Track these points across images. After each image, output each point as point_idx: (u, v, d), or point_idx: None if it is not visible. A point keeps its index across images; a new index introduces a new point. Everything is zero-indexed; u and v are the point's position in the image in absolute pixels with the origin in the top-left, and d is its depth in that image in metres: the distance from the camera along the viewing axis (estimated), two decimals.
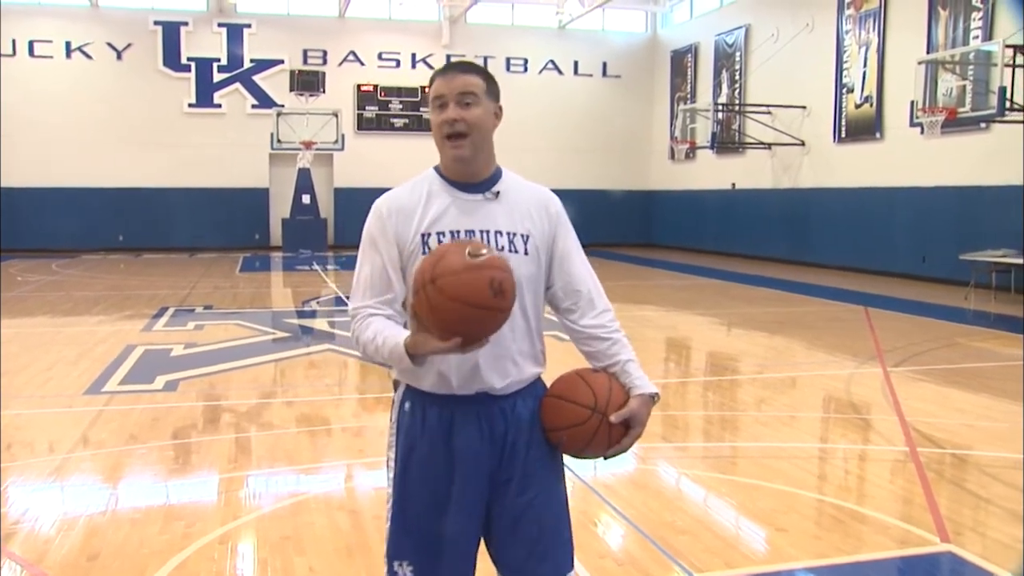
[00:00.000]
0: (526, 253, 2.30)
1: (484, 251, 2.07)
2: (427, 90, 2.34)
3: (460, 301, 2.00)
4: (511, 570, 2.33)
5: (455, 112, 2.25)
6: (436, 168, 2.37)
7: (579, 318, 2.40)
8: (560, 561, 2.35)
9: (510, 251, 2.28)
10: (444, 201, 2.29)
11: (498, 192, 2.33)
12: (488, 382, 2.26)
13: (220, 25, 24.55)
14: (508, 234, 2.30)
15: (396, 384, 2.40)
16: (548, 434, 2.34)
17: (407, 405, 2.34)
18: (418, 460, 2.30)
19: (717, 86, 23.57)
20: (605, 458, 2.34)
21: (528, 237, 2.31)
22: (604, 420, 2.26)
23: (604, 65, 27.07)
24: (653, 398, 2.35)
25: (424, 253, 2.23)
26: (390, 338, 2.18)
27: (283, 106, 23.72)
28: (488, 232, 2.28)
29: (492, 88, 2.33)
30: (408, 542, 2.31)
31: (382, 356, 2.21)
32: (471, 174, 2.32)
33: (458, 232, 2.26)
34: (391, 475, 2.37)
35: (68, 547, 4.01)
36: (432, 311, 2.04)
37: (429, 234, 2.26)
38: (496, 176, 2.36)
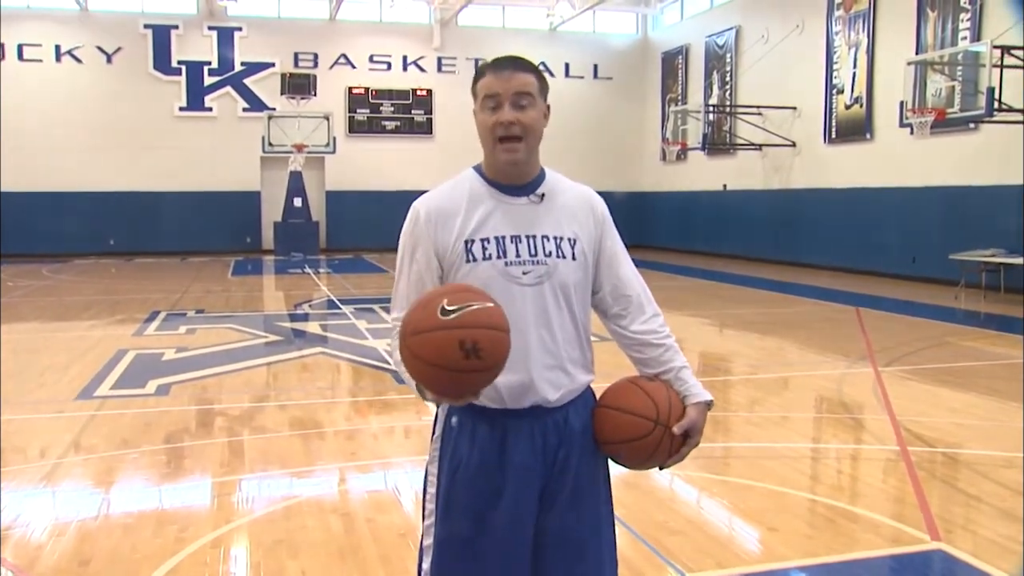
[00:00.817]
0: (574, 258, 2.22)
1: (468, 304, 1.91)
2: (476, 88, 2.20)
3: (428, 363, 1.90)
4: None
5: (511, 114, 2.14)
6: (477, 168, 2.27)
7: (629, 323, 2.33)
8: None
9: (558, 256, 2.19)
10: (488, 205, 2.19)
11: (543, 194, 2.24)
12: (542, 395, 2.18)
13: (210, 28, 24.51)
14: (555, 238, 2.21)
15: None
16: (605, 447, 2.26)
17: (454, 420, 2.22)
18: (467, 477, 2.18)
19: (708, 87, 23.63)
20: (661, 468, 2.27)
21: (575, 241, 2.23)
22: (667, 432, 2.19)
23: (595, 67, 27.11)
24: (709, 405, 2.28)
25: (468, 261, 2.15)
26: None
27: (274, 109, 23.71)
28: (534, 237, 2.19)
29: (544, 87, 2.22)
30: (453, 561, 2.20)
31: (409, 383, 2.09)
32: (518, 176, 2.22)
33: (503, 238, 2.17)
34: (432, 490, 2.24)
35: (60, 553, 4.01)
36: (410, 368, 1.96)
37: (473, 240, 2.16)
38: (541, 177, 2.27)
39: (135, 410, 6.72)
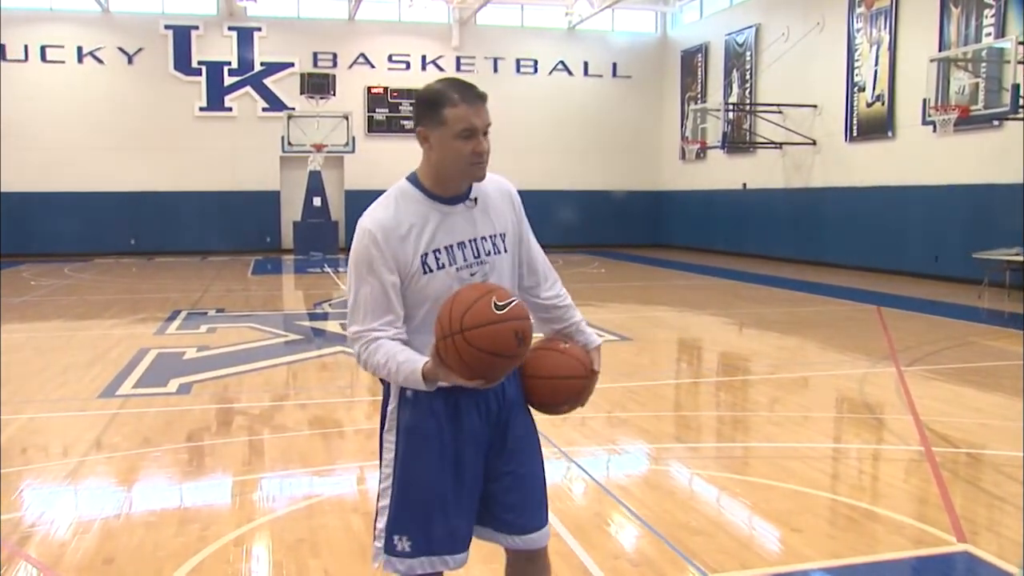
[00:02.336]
0: (506, 250, 2.54)
1: (510, 300, 2.22)
2: (443, 114, 2.37)
3: (489, 352, 2.17)
4: (502, 524, 2.58)
5: (485, 144, 2.42)
6: (414, 182, 2.48)
7: (540, 292, 2.68)
8: (543, 516, 2.64)
9: (495, 253, 2.50)
10: (434, 218, 2.43)
11: (476, 199, 2.50)
12: None
13: (230, 29, 24.64)
14: (491, 237, 2.51)
15: None
16: (548, 409, 2.64)
17: (409, 393, 2.47)
18: (422, 441, 2.46)
19: (728, 86, 23.52)
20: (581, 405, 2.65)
21: (505, 235, 2.54)
22: (593, 376, 2.61)
23: (614, 66, 27.04)
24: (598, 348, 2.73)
25: (425, 273, 2.40)
26: (405, 364, 2.34)
27: (294, 109, 23.80)
28: (475, 240, 2.47)
29: None
30: (406, 516, 2.47)
31: (395, 379, 2.39)
32: (456, 187, 2.47)
33: (451, 246, 2.43)
34: (388, 456, 2.52)
35: (84, 550, 4.03)
36: (460, 359, 2.19)
37: (427, 254, 2.41)
38: (467, 186, 2.50)
39: (157, 408, 6.76)
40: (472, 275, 2.45)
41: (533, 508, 2.62)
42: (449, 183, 2.45)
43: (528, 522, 2.59)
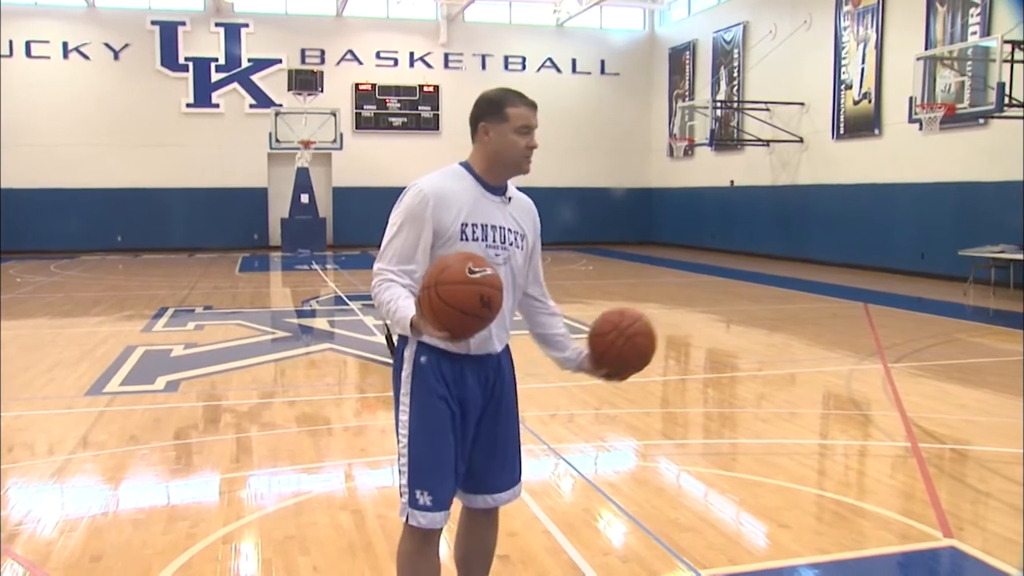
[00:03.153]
0: (522, 248, 2.92)
1: (485, 269, 2.49)
2: (507, 111, 2.80)
3: (454, 307, 2.45)
4: (483, 479, 2.92)
5: (536, 140, 2.87)
6: (467, 168, 2.87)
7: (545, 299, 3.11)
8: (519, 471, 3.02)
9: (516, 246, 2.88)
10: (479, 198, 2.82)
11: (510, 198, 2.92)
12: (493, 345, 2.86)
13: (217, 25, 24.53)
14: (514, 232, 2.89)
15: (402, 342, 2.86)
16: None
17: (423, 358, 2.80)
18: (434, 402, 2.78)
19: (715, 83, 23.57)
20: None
21: (524, 236, 2.93)
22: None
23: (602, 63, 27.06)
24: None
25: (462, 240, 2.76)
26: (401, 309, 2.62)
27: (281, 105, 23.70)
28: (503, 228, 2.85)
29: None
30: (426, 472, 2.77)
31: (390, 318, 2.68)
32: (501, 180, 2.88)
33: (486, 225, 2.81)
34: (404, 417, 2.82)
35: (71, 548, 4.01)
36: (431, 309, 2.47)
37: (467, 224, 2.77)
38: (507, 184, 2.93)
39: (144, 406, 6.74)
40: (497, 255, 2.80)
41: (508, 471, 2.97)
42: (499, 173, 2.85)
43: (501, 482, 2.95)
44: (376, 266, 2.78)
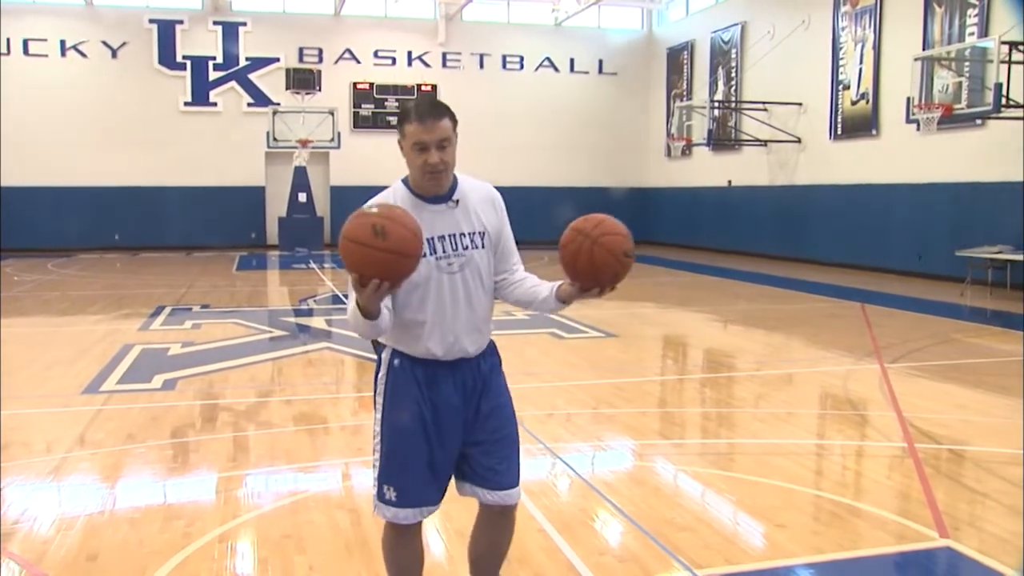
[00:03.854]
0: (483, 247, 2.88)
1: (382, 208, 2.54)
2: (405, 128, 2.75)
3: (351, 241, 2.48)
4: (482, 481, 2.96)
5: (436, 157, 2.74)
6: (405, 182, 2.87)
7: (511, 275, 3.02)
8: (515, 476, 3.01)
9: (473, 248, 2.86)
10: (418, 213, 2.69)
11: (457, 200, 2.87)
12: (465, 349, 2.87)
13: (215, 23, 24.49)
14: (469, 234, 2.86)
15: (380, 347, 2.94)
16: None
17: (396, 362, 2.88)
18: (405, 405, 2.85)
19: (713, 83, 23.58)
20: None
21: (484, 233, 2.89)
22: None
23: (600, 63, 27.06)
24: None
25: None
26: (350, 304, 2.67)
27: (279, 104, 23.67)
28: (455, 235, 2.84)
29: (455, 122, 2.80)
30: (393, 469, 2.87)
31: (355, 321, 2.67)
32: (438, 190, 2.84)
33: (432, 239, 2.78)
34: (378, 415, 2.91)
35: (67, 547, 4.01)
36: (342, 256, 2.52)
37: None
38: (454, 186, 2.88)
39: (141, 405, 6.73)
40: (450, 264, 2.81)
41: (507, 469, 2.98)
42: (424, 187, 2.81)
43: (503, 480, 2.97)
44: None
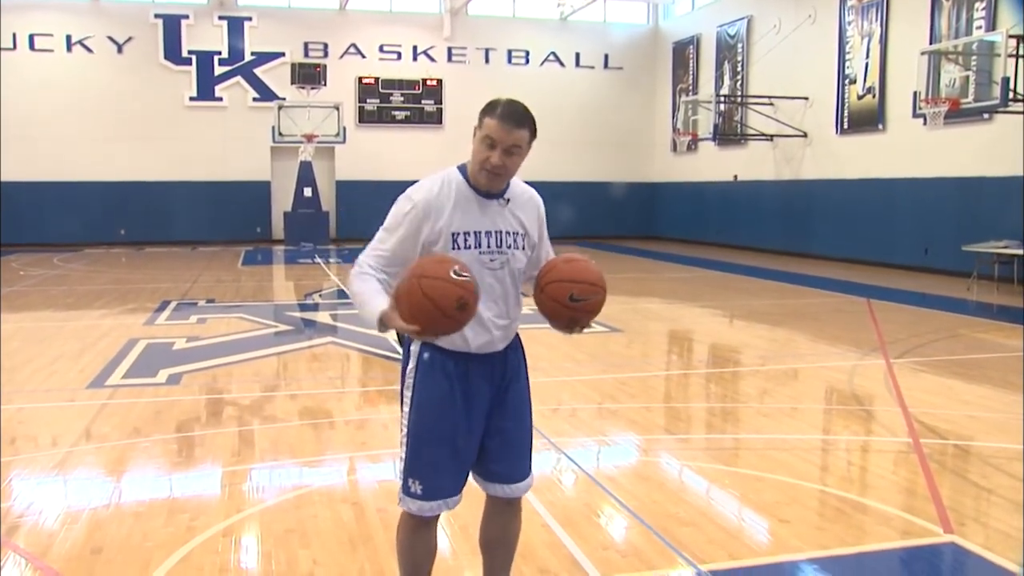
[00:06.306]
0: (523, 249, 2.91)
1: (468, 275, 2.57)
2: (484, 120, 2.74)
3: (432, 302, 2.52)
4: (492, 475, 2.99)
5: (500, 159, 2.74)
6: (462, 171, 2.85)
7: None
8: (529, 464, 3.06)
9: (516, 247, 2.88)
10: (470, 205, 2.80)
11: (508, 199, 2.89)
12: (497, 345, 2.90)
13: (221, 18, 24.51)
14: (513, 234, 2.89)
15: (408, 340, 2.90)
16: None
17: (426, 355, 2.87)
18: (435, 398, 2.85)
19: (719, 78, 23.52)
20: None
21: (526, 236, 2.92)
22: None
23: (606, 57, 27.02)
24: None
25: (453, 248, 2.77)
26: (369, 302, 2.70)
27: (284, 99, 23.71)
28: (500, 232, 2.85)
29: (534, 135, 2.83)
30: (420, 463, 2.87)
31: (359, 308, 2.75)
32: (492, 187, 2.84)
33: (479, 232, 2.81)
34: (406, 409, 2.90)
35: (72, 540, 4.02)
36: (409, 299, 2.54)
37: (458, 233, 2.79)
38: (507, 186, 2.90)
39: (146, 399, 6.74)
40: (492, 260, 2.83)
41: (520, 462, 3.03)
42: (479, 181, 2.81)
43: (514, 473, 3.01)
44: (359, 257, 2.86)
